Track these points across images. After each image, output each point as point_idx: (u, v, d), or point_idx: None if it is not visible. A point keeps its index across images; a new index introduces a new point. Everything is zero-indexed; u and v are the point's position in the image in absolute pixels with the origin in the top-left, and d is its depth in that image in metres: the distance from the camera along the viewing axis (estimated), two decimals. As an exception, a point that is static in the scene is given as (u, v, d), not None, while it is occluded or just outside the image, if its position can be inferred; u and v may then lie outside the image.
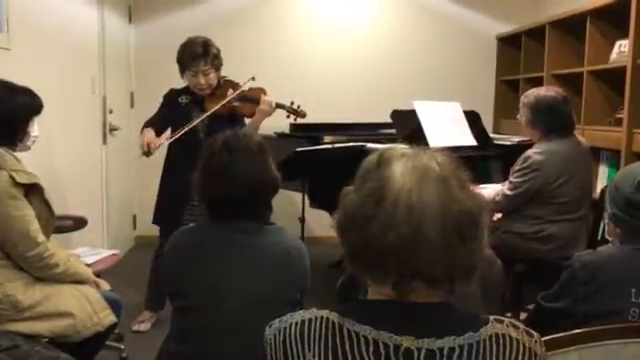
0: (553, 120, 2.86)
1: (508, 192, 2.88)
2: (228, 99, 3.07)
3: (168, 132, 3.21)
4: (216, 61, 3.14)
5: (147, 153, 3.03)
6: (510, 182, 2.90)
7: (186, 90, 3.24)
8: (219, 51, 3.18)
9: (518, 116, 3.02)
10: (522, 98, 2.99)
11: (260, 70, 3.39)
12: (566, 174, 2.81)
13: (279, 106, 3.15)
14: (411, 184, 0.92)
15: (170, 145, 3.16)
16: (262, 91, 3.16)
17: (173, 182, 3.22)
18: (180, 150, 3.11)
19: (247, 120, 3.22)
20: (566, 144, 2.87)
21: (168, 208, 3.25)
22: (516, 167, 2.89)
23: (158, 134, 3.15)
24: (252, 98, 3.11)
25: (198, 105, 3.16)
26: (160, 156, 3.25)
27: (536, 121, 2.89)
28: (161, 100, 3.34)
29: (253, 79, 3.18)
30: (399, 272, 0.92)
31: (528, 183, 2.82)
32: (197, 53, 3.06)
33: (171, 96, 3.26)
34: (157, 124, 3.21)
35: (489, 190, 2.96)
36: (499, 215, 3.00)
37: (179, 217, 3.12)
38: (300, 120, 3.30)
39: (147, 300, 3.40)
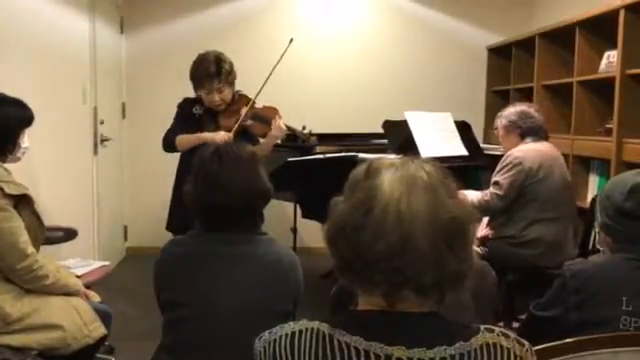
0: (527, 125, 3.06)
1: (499, 192, 2.96)
2: (241, 118, 3.01)
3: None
4: (230, 77, 3.06)
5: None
6: (496, 182, 2.99)
7: (200, 100, 3.13)
8: (232, 65, 3.08)
9: (495, 130, 3.21)
10: (497, 115, 3.21)
11: (253, 82, 3.38)
12: (545, 170, 2.94)
13: (290, 129, 3.10)
14: (400, 193, 0.92)
15: (182, 157, 3.12)
16: (275, 111, 3.06)
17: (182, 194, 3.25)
18: (190, 164, 3.11)
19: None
20: (541, 145, 3.04)
21: (179, 218, 3.16)
22: (497, 169, 3.01)
23: None
24: (264, 118, 3.05)
25: (212, 118, 3.10)
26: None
27: (511, 127, 3.09)
28: (166, 110, 3.26)
29: (291, 41, 3.13)
30: (389, 281, 0.92)
31: (513, 177, 2.93)
32: (210, 72, 2.98)
33: (186, 105, 3.17)
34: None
35: (471, 195, 3.02)
36: (484, 231, 3.05)
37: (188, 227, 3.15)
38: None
39: None
